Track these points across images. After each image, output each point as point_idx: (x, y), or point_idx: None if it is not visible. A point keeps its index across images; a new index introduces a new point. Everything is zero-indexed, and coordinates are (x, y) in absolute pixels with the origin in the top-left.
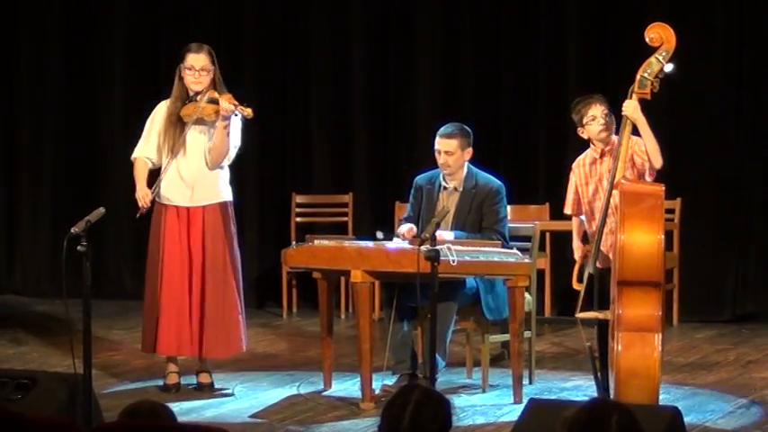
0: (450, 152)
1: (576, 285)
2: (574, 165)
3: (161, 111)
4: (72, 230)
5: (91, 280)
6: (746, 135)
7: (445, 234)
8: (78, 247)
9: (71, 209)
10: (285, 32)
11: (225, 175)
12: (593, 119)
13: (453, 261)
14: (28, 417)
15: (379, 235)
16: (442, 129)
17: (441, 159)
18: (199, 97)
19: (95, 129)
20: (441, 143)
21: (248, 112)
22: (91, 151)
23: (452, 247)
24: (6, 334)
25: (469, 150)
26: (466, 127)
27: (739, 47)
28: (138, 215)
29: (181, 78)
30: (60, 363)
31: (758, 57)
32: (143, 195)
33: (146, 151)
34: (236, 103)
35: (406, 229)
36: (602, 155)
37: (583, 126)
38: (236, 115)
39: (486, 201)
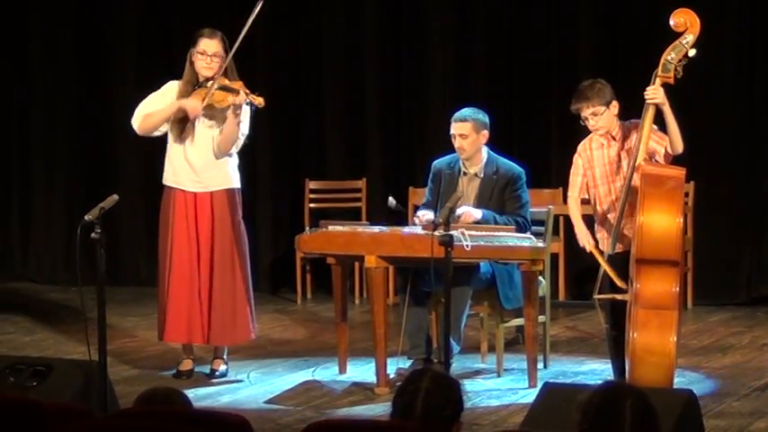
0: (465, 135)
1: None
2: (579, 148)
3: (171, 90)
4: (86, 218)
5: (105, 267)
6: (760, 119)
7: (474, 212)
8: (92, 235)
9: (85, 196)
10: (299, 18)
11: (233, 161)
12: (585, 119)
13: (467, 246)
14: (45, 404)
15: (392, 202)
16: (456, 113)
17: (456, 143)
18: (209, 83)
19: (108, 115)
20: (455, 127)
21: (259, 101)
22: (104, 138)
23: (466, 231)
24: (22, 322)
25: (485, 133)
26: (480, 110)
27: (752, 31)
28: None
29: (192, 63)
30: (75, 350)
31: None
32: (193, 106)
33: (149, 108)
34: (248, 91)
35: (422, 213)
36: (609, 140)
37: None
38: (248, 104)
39: (508, 187)
